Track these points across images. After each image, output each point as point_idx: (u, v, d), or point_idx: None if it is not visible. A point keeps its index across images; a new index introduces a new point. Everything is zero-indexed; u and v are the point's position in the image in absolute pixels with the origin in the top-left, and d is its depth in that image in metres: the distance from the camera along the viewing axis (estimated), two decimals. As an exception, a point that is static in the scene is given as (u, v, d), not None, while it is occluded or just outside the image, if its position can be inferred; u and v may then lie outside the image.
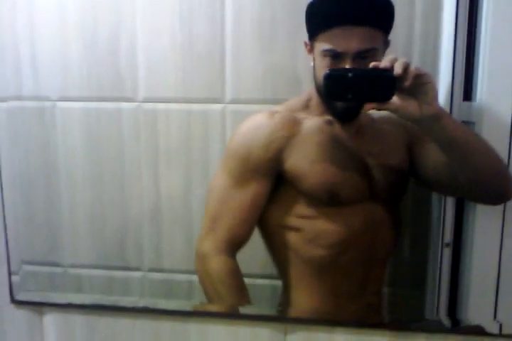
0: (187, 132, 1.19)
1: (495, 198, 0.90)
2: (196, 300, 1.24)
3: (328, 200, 0.90)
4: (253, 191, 0.92)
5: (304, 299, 0.95)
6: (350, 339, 0.87)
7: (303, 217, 0.93)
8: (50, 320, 0.97)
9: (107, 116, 1.23)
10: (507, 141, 0.92)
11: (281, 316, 0.93)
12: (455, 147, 0.81)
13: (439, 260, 0.97)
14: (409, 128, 0.93)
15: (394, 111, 0.77)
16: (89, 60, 1.22)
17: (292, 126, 0.92)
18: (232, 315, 0.93)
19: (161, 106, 1.20)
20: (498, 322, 0.93)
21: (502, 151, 0.91)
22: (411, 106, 0.77)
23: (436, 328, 0.86)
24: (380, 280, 0.98)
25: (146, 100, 1.20)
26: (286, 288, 0.97)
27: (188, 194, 1.22)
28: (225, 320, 0.91)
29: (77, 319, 0.95)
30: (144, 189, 1.23)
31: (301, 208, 0.93)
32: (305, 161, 0.90)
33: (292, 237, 0.95)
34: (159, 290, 1.27)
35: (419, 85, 0.76)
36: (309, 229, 0.93)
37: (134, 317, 0.94)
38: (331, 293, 0.94)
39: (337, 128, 0.93)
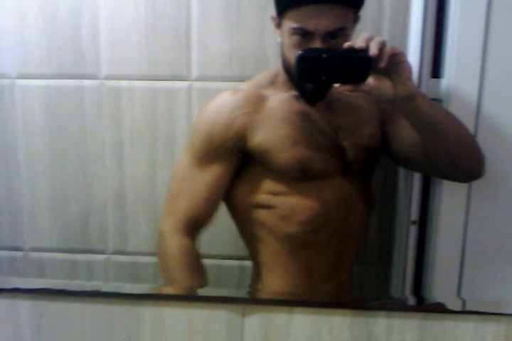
0: (151, 111, 1.16)
1: (466, 176, 0.90)
2: (161, 283, 1.23)
3: (300, 175, 0.88)
4: (215, 171, 0.90)
5: (276, 280, 0.93)
6: (311, 320, 0.86)
7: (274, 193, 0.91)
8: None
9: (68, 94, 1.19)
10: (473, 118, 0.92)
11: (239, 297, 0.91)
12: (428, 127, 0.80)
13: (405, 237, 0.97)
14: (383, 105, 0.93)
15: (368, 92, 0.76)
16: (49, 35, 1.17)
17: (256, 102, 0.90)
18: (188, 297, 0.91)
19: (124, 83, 1.16)
20: (461, 299, 0.94)
21: (469, 128, 0.90)
22: (385, 87, 0.76)
23: (398, 306, 0.86)
24: (352, 258, 0.98)
25: (108, 77, 1.17)
26: (258, 269, 0.96)
27: (153, 174, 1.19)
28: (180, 303, 0.89)
29: (24, 304, 0.92)
30: (107, 169, 1.20)
31: (272, 185, 0.91)
32: (273, 138, 0.88)
33: (264, 215, 0.92)
34: (124, 273, 1.25)
35: (394, 65, 0.75)
36: (282, 205, 0.91)
37: (84, 301, 0.90)
38: (304, 273, 0.93)
39: (304, 103, 0.92)
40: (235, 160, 0.90)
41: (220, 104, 0.91)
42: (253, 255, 0.96)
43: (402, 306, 0.87)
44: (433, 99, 0.97)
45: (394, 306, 0.86)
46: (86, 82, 1.18)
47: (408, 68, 0.76)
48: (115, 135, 1.18)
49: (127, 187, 1.21)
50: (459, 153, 0.84)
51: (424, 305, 0.91)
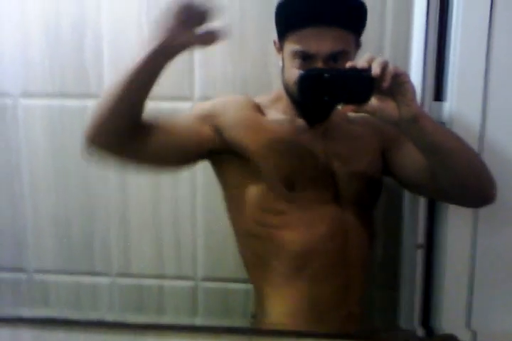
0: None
1: (476, 201, 0.86)
2: (168, 305, 1.22)
3: (284, 190, 0.86)
4: (190, 131, 0.86)
5: (277, 308, 0.90)
6: None
7: (263, 225, 0.89)
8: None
9: (71, 114, 1.18)
10: (477, 141, 0.90)
11: (244, 327, 0.89)
12: (434, 149, 0.77)
13: (412, 262, 0.95)
14: (386, 129, 0.89)
15: (371, 113, 0.73)
16: (52, 54, 1.17)
17: (260, 110, 0.90)
18: (191, 327, 0.88)
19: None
20: (471, 330, 0.91)
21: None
22: (389, 108, 0.73)
23: (409, 337, 0.83)
24: (360, 287, 0.93)
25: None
26: (259, 297, 0.93)
27: (157, 196, 1.18)
28: (184, 333, 0.87)
29: (27, 334, 0.90)
30: (111, 191, 1.19)
31: (261, 216, 0.89)
32: (260, 143, 0.86)
33: (258, 246, 0.91)
34: (129, 295, 1.24)
35: (397, 85, 0.73)
36: (271, 239, 0.89)
37: (88, 331, 0.88)
38: (307, 302, 0.89)
39: (303, 127, 0.89)
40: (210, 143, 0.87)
41: (232, 97, 0.93)
42: (253, 282, 0.94)
43: (413, 338, 0.84)
44: None
45: (404, 338, 0.83)
46: (89, 102, 1.16)
47: (412, 89, 0.74)
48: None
49: (131, 208, 1.19)
50: (467, 176, 0.80)
51: (436, 337, 0.88)
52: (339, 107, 0.79)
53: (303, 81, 0.74)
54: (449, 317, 0.92)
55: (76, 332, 0.90)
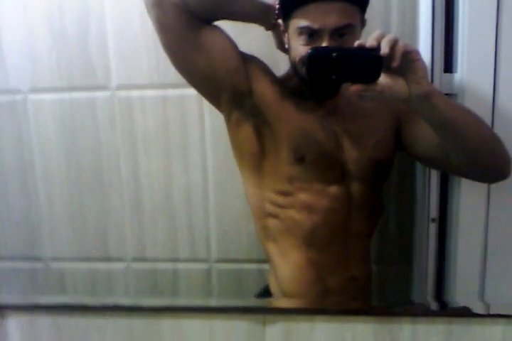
0: (164, 119, 1.17)
1: (491, 177, 0.86)
2: (182, 288, 1.24)
3: (294, 160, 0.88)
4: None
5: (287, 274, 0.95)
6: (333, 328, 0.86)
7: (277, 205, 0.93)
8: (14, 324, 0.93)
9: (80, 106, 1.20)
10: (489, 112, 0.90)
11: (259, 307, 0.92)
12: (447, 126, 0.77)
13: (425, 236, 0.96)
14: (400, 106, 0.90)
15: (380, 92, 0.74)
16: (58, 49, 1.18)
17: (280, 85, 0.92)
18: (206, 309, 0.90)
19: (135, 93, 1.17)
20: (484, 302, 0.92)
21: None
22: (398, 86, 0.74)
23: (422, 311, 0.84)
24: (361, 254, 0.97)
25: (119, 88, 1.18)
26: (272, 266, 0.98)
27: (169, 182, 1.20)
28: (200, 314, 0.88)
29: (44, 321, 0.91)
30: (123, 179, 1.21)
31: (275, 197, 0.92)
32: (281, 111, 0.89)
33: (271, 223, 0.94)
34: (144, 280, 1.26)
35: (407, 63, 0.72)
36: (285, 218, 0.93)
37: (104, 316, 0.90)
38: (311, 267, 0.94)
39: (313, 105, 0.91)
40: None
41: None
42: (266, 252, 0.98)
43: (427, 311, 0.85)
44: (446, 94, 0.93)
45: (418, 311, 0.84)
46: (97, 94, 1.18)
47: (422, 66, 0.73)
48: (129, 144, 1.19)
49: (144, 196, 1.21)
50: (481, 153, 0.80)
51: (449, 310, 0.89)
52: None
53: (311, 60, 0.74)
54: (463, 290, 0.93)
55: (92, 317, 0.92)
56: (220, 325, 0.88)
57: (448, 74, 0.92)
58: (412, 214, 1.01)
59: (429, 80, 0.85)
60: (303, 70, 0.78)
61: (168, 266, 1.24)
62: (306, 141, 0.90)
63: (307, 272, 0.95)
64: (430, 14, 0.89)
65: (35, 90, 1.21)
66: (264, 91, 0.90)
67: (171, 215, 1.21)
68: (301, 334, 0.86)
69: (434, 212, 0.96)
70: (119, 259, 1.26)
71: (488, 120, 0.89)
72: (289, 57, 0.90)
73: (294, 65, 0.89)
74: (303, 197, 0.92)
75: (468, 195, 0.93)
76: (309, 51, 0.75)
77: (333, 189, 0.92)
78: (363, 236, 0.97)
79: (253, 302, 1.02)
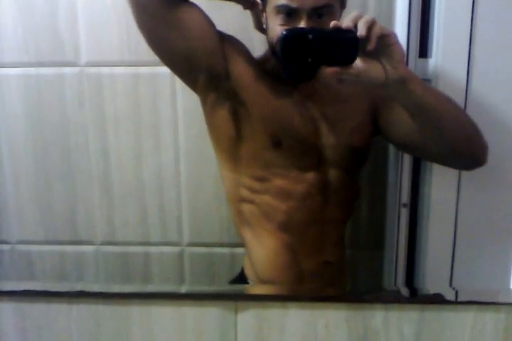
0: (135, 97, 1.13)
1: (468, 164, 0.87)
2: (154, 272, 1.23)
3: (272, 144, 0.87)
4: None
5: (261, 258, 0.95)
6: (305, 314, 0.85)
7: (252, 190, 0.92)
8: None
9: (47, 83, 1.16)
10: (463, 98, 0.90)
11: (231, 293, 0.91)
12: (423, 111, 0.77)
13: (396, 221, 0.97)
14: (378, 91, 0.87)
15: (356, 75, 0.72)
16: (24, 22, 1.13)
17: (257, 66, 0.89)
18: (177, 295, 0.89)
19: (105, 70, 1.13)
20: (454, 289, 0.93)
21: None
22: (374, 70, 0.72)
23: (394, 298, 0.85)
24: (336, 239, 0.97)
25: (89, 64, 1.14)
26: (247, 250, 0.97)
27: (139, 162, 1.17)
28: (169, 301, 0.87)
29: (6, 307, 0.89)
30: (92, 158, 1.18)
31: (250, 182, 0.91)
32: (257, 94, 0.87)
33: (247, 208, 0.94)
34: (114, 263, 1.24)
35: (384, 47, 0.71)
36: (260, 203, 0.92)
37: (70, 302, 0.88)
38: (285, 250, 0.94)
39: (290, 88, 0.90)
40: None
41: None
42: (240, 235, 0.97)
43: (399, 298, 0.86)
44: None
45: (390, 298, 0.85)
46: (65, 70, 1.14)
47: (399, 50, 0.72)
48: (98, 122, 1.16)
49: (113, 176, 1.18)
50: (458, 139, 0.80)
51: (421, 297, 0.90)
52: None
53: (285, 41, 0.72)
54: (433, 277, 0.95)
55: (57, 303, 0.90)
56: (190, 311, 0.87)
57: (423, 59, 0.91)
58: (384, 199, 1.01)
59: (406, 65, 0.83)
60: (278, 52, 0.75)
61: (139, 249, 1.22)
62: (283, 126, 0.89)
63: (282, 257, 0.95)
64: (407, -1, 0.88)
65: (0, 65, 1.16)
66: (241, 73, 0.88)
67: (141, 197, 1.19)
68: (273, 321, 0.86)
69: (405, 197, 0.97)
70: (89, 242, 1.23)
71: (461, 106, 0.89)
72: (267, 38, 0.87)
73: (271, 46, 0.87)
74: (279, 182, 0.91)
75: (440, 180, 0.93)
76: (283, 32, 0.72)
77: (310, 175, 0.91)
78: (338, 221, 0.96)
79: (225, 288, 1.01)
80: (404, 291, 0.95)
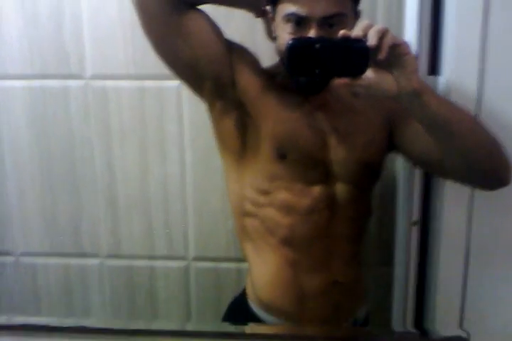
0: (140, 111, 1.13)
1: (489, 183, 0.79)
2: (159, 285, 1.22)
3: (277, 156, 0.84)
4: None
5: (264, 277, 0.91)
6: None
7: (257, 205, 0.89)
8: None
9: (52, 95, 1.15)
10: (473, 116, 0.88)
11: (237, 333, 0.86)
12: (440, 126, 0.71)
13: (406, 238, 0.95)
14: (394, 104, 0.82)
15: (367, 87, 0.68)
16: (30, 34, 1.13)
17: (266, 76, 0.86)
18: (180, 333, 0.84)
19: (110, 83, 1.12)
20: (465, 330, 0.88)
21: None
22: (386, 82, 0.68)
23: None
24: (347, 257, 0.91)
25: (94, 77, 1.13)
26: (250, 268, 0.94)
27: (145, 176, 1.16)
28: (176, 339, 0.83)
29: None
30: (97, 172, 1.17)
31: (255, 195, 0.88)
32: (264, 104, 0.84)
33: (248, 222, 0.91)
34: (119, 277, 1.23)
35: (396, 57, 0.67)
36: (264, 218, 0.87)
37: (70, 337, 0.83)
38: (289, 268, 0.89)
39: (300, 100, 0.85)
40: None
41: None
42: (243, 252, 0.95)
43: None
44: None
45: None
46: (70, 82, 1.13)
47: (412, 61, 0.67)
48: (103, 136, 1.15)
49: (118, 189, 1.18)
50: (478, 156, 0.74)
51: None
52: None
53: (292, 51, 0.68)
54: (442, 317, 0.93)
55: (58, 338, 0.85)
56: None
57: (432, 76, 0.88)
58: (394, 216, 0.99)
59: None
60: (284, 63, 0.72)
61: (145, 263, 1.21)
62: (289, 138, 0.85)
63: (283, 274, 0.90)
64: (417, 15, 0.85)
65: (5, 77, 1.16)
66: (248, 83, 0.85)
67: (147, 210, 1.18)
68: None
69: (415, 214, 0.93)
70: (93, 255, 1.22)
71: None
72: (276, 47, 0.85)
73: (280, 56, 0.84)
74: (282, 196, 0.87)
75: (452, 198, 0.90)
76: (290, 42, 0.68)
77: (315, 189, 0.87)
78: (348, 238, 0.91)
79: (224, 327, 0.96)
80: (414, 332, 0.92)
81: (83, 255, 1.22)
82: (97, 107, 1.13)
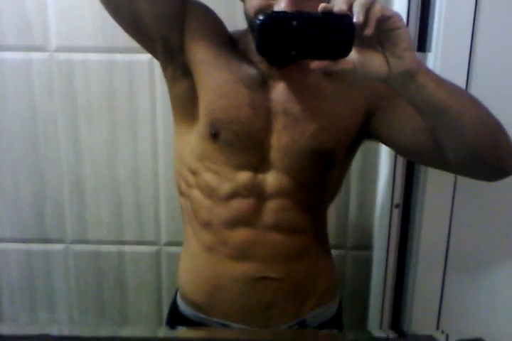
0: (109, 86, 1.06)
1: (492, 173, 0.72)
2: (128, 273, 1.16)
3: (209, 135, 0.75)
4: None
5: (183, 258, 0.86)
6: None
7: (186, 183, 0.82)
8: None
9: (13, 69, 1.07)
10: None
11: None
12: (437, 111, 0.63)
13: (388, 221, 0.92)
14: (375, 88, 0.75)
15: (351, 70, 0.58)
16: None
17: (229, 42, 0.77)
18: None
19: (77, 56, 1.06)
20: (443, 332, 0.85)
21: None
22: (374, 62, 0.58)
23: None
24: (283, 251, 0.81)
25: (59, 49, 1.06)
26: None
27: (114, 156, 1.10)
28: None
29: None
30: (62, 151, 1.11)
31: (186, 173, 0.81)
32: (210, 75, 0.75)
33: (182, 202, 0.85)
34: (85, 263, 1.17)
35: (386, 32, 0.57)
36: (191, 197, 0.82)
37: None
38: (207, 253, 0.82)
39: (260, 72, 0.75)
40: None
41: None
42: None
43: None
44: None
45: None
46: (33, 55, 1.06)
47: (406, 36, 0.58)
48: (69, 113, 1.08)
49: (85, 171, 1.12)
50: (481, 143, 0.66)
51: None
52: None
53: (263, 29, 0.57)
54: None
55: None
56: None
57: (421, 53, 0.85)
58: (375, 199, 0.95)
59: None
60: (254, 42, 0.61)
61: (113, 248, 1.16)
62: (224, 116, 0.75)
63: (200, 261, 0.83)
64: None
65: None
66: (199, 49, 0.76)
67: (115, 193, 1.12)
68: None
69: (398, 197, 0.91)
70: (58, 241, 1.16)
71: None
72: (244, 10, 0.73)
73: (247, 19, 0.73)
74: (207, 178, 0.79)
75: (434, 181, 0.88)
76: (260, 17, 0.57)
77: (241, 175, 0.78)
78: (287, 232, 0.81)
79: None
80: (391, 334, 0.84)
81: (47, 240, 1.16)
82: (62, 82, 1.07)
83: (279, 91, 0.76)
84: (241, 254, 0.80)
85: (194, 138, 0.79)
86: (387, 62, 0.58)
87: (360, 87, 0.77)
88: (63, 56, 1.06)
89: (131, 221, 1.14)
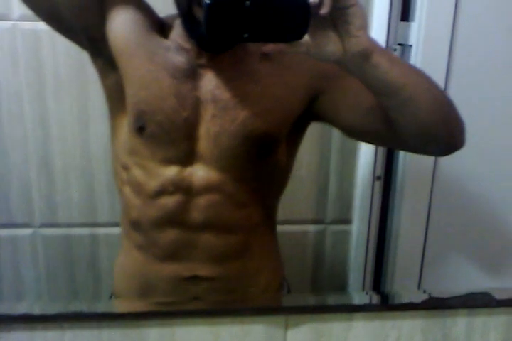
0: (79, 58, 0.98)
1: (443, 149, 0.74)
2: (101, 257, 1.13)
3: (135, 128, 0.74)
4: None
5: (119, 260, 0.86)
6: (374, 326, 0.75)
7: (120, 179, 0.81)
8: None
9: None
10: (445, 65, 0.85)
11: (280, 307, 0.78)
12: (392, 91, 0.63)
13: (370, 193, 0.92)
14: (321, 64, 0.67)
15: (305, 52, 0.57)
16: None
17: (158, 28, 0.75)
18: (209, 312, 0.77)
19: (43, 25, 0.99)
20: (424, 291, 0.86)
21: (439, 76, 0.84)
22: (329, 43, 0.57)
23: (482, 302, 0.75)
24: (214, 250, 0.80)
25: (23, 18, 1.01)
26: None
27: (85, 133, 1.07)
28: (200, 319, 0.74)
29: None
30: (29, 128, 1.06)
31: (119, 169, 0.80)
32: (132, 64, 0.73)
33: (120, 197, 0.84)
34: (55, 248, 1.13)
35: (341, 10, 0.55)
36: (123, 193, 0.81)
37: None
38: (137, 252, 0.82)
39: (188, 59, 0.73)
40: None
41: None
42: None
43: (488, 301, 0.74)
44: (401, 45, 0.88)
45: (477, 302, 0.74)
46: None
47: (360, 14, 0.56)
48: (35, 87, 1.04)
49: (53, 149, 1.08)
50: (434, 121, 0.66)
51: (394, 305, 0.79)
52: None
53: (212, 9, 0.53)
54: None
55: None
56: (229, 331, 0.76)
57: (405, 22, 0.86)
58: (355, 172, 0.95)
59: (385, 28, 0.73)
60: (201, 24, 0.55)
61: (85, 231, 1.12)
62: (148, 108, 0.73)
63: (130, 261, 0.84)
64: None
65: None
66: (118, 39, 0.73)
67: (87, 172, 1.09)
68: (333, 337, 0.75)
69: (379, 170, 0.93)
70: (25, 225, 1.12)
71: (442, 73, 0.85)
72: None
73: (179, 7, 0.70)
74: (136, 174, 0.77)
75: (415, 155, 0.88)
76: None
77: (169, 170, 0.76)
78: (219, 229, 0.79)
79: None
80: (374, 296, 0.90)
81: (13, 225, 1.12)
82: (27, 53, 1.02)
83: (209, 78, 0.74)
84: (170, 255, 0.80)
85: (125, 132, 0.78)
86: (342, 42, 0.57)
87: (302, 68, 0.75)
88: (27, 25, 1.01)
89: (104, 201, 1.10)
